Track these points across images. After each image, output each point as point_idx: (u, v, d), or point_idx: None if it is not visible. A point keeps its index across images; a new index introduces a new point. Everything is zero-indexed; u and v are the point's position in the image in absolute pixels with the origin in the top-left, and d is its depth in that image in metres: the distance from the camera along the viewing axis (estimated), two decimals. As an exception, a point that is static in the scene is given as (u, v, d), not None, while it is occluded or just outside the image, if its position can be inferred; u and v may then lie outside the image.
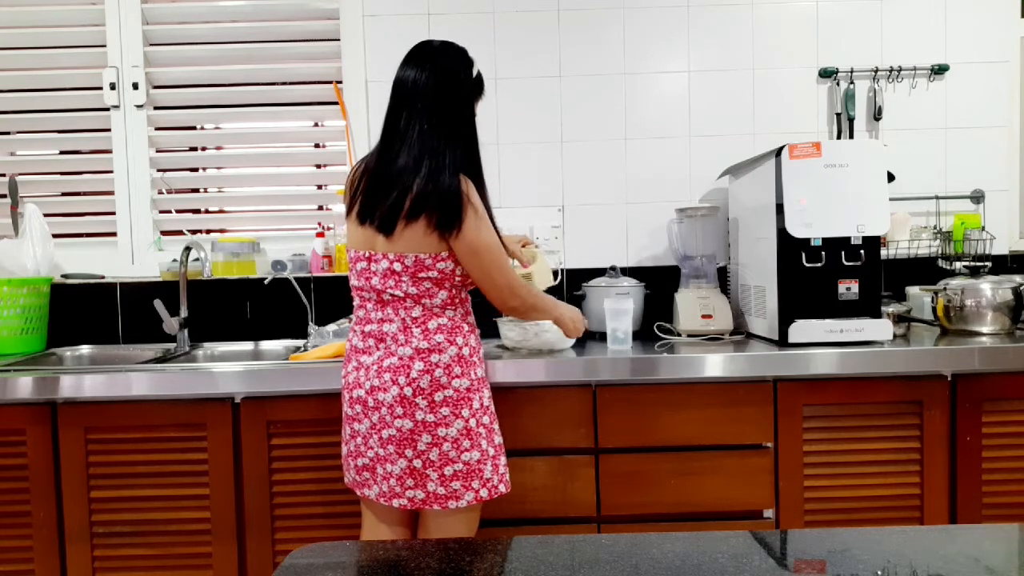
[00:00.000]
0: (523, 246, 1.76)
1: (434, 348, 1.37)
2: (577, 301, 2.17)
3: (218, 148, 2.40)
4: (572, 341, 1.81)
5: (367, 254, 1.39)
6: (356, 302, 1.46)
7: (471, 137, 1.42)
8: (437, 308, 1.39)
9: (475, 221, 1.35)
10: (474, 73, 1.45)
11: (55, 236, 2.21)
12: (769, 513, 1.67)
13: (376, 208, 1.36)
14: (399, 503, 1.37)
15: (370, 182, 1.39)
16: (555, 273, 2.06)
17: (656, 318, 2.07)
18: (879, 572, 0.68)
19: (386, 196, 1.35)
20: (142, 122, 2.29)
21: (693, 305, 1.96)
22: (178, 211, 2.38)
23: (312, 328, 2.07)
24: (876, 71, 2.23)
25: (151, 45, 2.31)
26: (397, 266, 1.36)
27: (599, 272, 2.14)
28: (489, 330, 2.06)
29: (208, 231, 2.39)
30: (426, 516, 1.43)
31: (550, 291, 1.77)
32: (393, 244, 1.35)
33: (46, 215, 2.19)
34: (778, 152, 1.73)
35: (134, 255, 2.31)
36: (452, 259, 1.37)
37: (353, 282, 1.44)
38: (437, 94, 1.38)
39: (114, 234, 2.31)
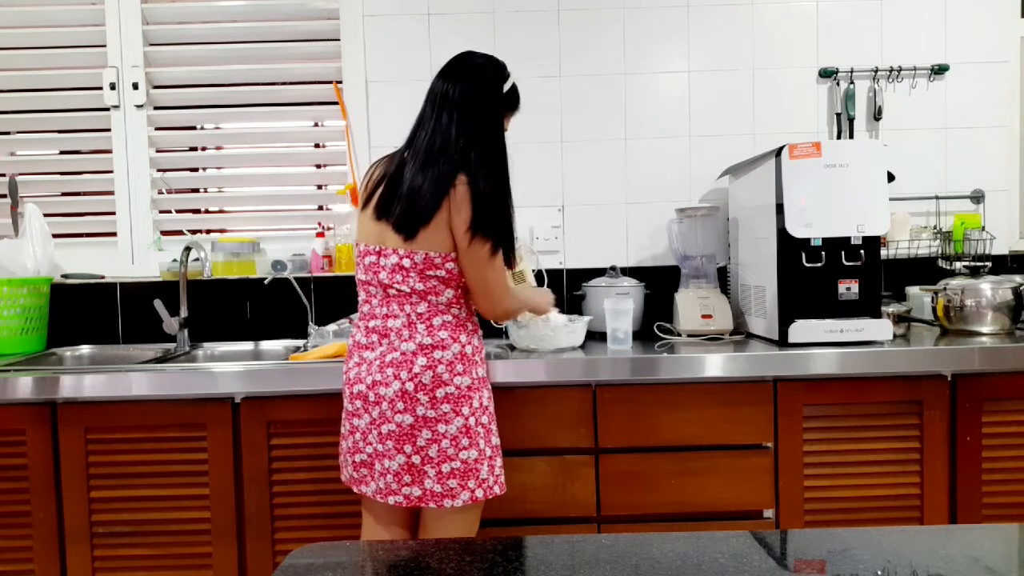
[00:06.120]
0: None
1: (437, 344, 1.37)
2: (577, 301, 2.17)
3: (218, 148, 2.40)
4: (580, 340, 1.83)
5: (377, 248, 1.40)
6: (361, 296, 1.46)
7: (500, 144, 1.43)
8: (443, 306, 1.40)
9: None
10: (506, 86, 1.46)
11: (55, 236, 2.21)
12: (769, 513, 1.67)
13: (396, 206, 1.37)
14: (395, 500, 1.37)
15: (394, 180, 1.40)
16: (540, 274, 2.10)
17: (656, 318, 2.07)
18: (879, 572, 0.68)
19: (410, 197, 1.36)
20: (142, 122, 2.29)
21: (693, 305, 1.96)
22: (178, 211, 2.38)
23: (312, 328, 2.06)
24: (876, 71, 2.23)
25: (151, 45, 2.31)
26: (406, 262, 1.37)
27: (599, 272, 2.15)
28: (493, 330, 2.06)
29: (208, 231, 2.39)
30: (426, 516, 1.43)
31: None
32: (408, 242, 1.37)
33: (46, 215, 2.19)
34: (778, 152, 1.73)
35: (134, 255, 2.31)
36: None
37: (360, 276, 1.45)
38: (470, 102, 1.40)
39: (114, 234, 2.31)
